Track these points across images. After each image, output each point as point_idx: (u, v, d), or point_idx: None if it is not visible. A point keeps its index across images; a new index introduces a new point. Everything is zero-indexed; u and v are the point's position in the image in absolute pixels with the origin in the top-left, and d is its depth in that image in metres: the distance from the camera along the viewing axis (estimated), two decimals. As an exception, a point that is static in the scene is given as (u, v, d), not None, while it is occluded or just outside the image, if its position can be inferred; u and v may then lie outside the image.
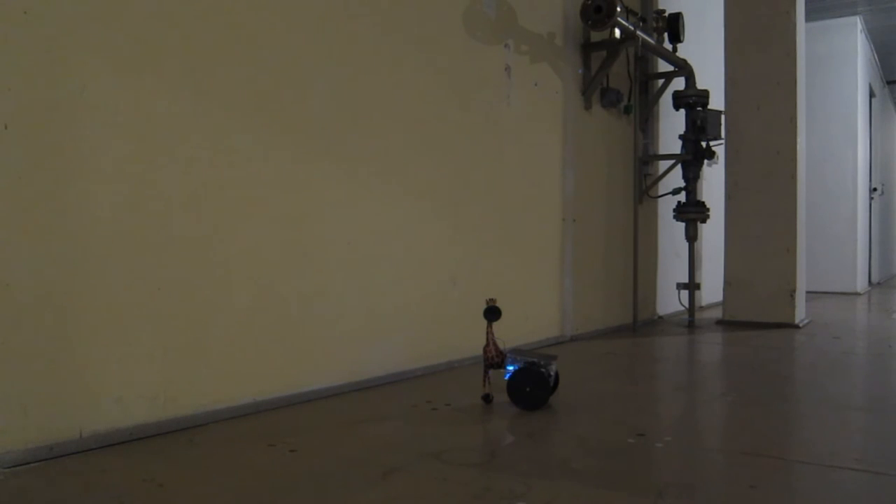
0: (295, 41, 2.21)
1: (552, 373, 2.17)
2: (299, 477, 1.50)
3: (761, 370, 2.97)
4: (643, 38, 4.03)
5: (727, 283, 4.59)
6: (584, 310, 3.85)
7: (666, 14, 4.49)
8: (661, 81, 4.71)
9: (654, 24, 4.45)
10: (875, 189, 9.37)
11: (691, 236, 4.53)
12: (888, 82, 10.65)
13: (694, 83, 4.49)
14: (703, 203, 4.52)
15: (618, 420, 2.07)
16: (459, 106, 2.96)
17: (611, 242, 4.16)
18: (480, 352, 2.21)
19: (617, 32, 3.86)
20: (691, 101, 4.42)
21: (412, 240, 2.69)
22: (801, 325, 4.40)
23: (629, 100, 4.32)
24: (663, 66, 4.70)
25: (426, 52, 2.78)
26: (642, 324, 4.41)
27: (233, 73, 2.02)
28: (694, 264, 4.60)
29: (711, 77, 4.86)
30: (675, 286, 4.81)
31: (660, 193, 4.72)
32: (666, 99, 4.66)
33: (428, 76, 2.78)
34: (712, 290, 5.31)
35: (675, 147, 4.64)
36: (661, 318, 4.89)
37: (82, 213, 1.66)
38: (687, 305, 4.61)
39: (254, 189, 2.08)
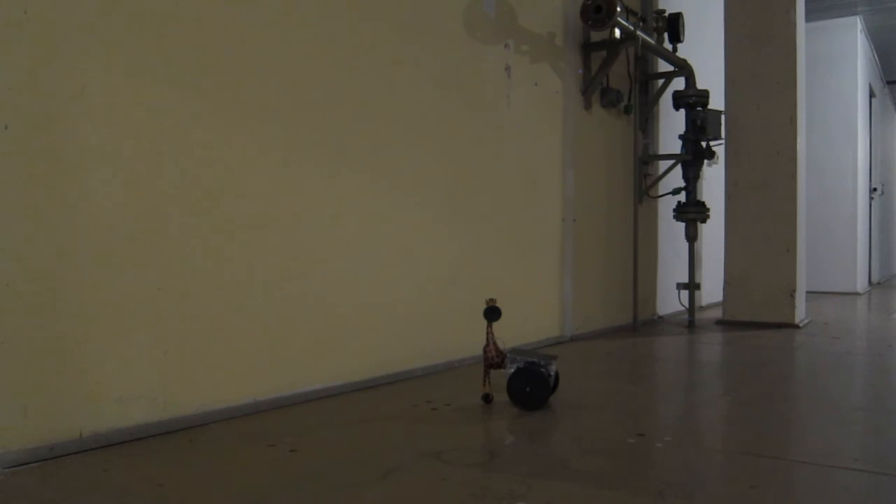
0: (295, 42, 2.21)
1: (552, 373, 2.17)
2: (299, 477, 1.50)
3: (761, 370, 2.97)
4: (643, 38, 4.03)
5: (727, 283, 4.58)
6: (584, 310, 3.85)
7: (666, 14, 4.49)
8: (661, 81, 4.71)
9: (654, 24, 4.45)
10: (875, 189, 9.36)
11: (691, 236, 4.53)
12: (888, 82, 10.64)
13: (694, 83, 4.49)
14: (703, 203, 4.51)
15: (618, 420, 2.07)
16: (459, 106, 2.96)
17: (611, 242, 4.16)
18: (480, 352, 2.21)
19: (617, 32, 3.86)
20: (691, 101, 4.42)
21: (412, 240, 2.69)
22: (801, 325, 4.40)
23: (629, 100, 4.32)
24: (663, 66, 4.70)
25: (426, 51, 2.78)
26: (642, 324, 4.41)
27: (233, 73, 2.02)
28: (694, 264, 4.60)
29: (711, 77, 4.86)
30: (675, 286, 4.81)
31: (660, 193, 4.72)
32: (666, 99, 4.66)
33: (427, 76, 2.78)
34: (712, 290, 5.31)
35: (675, 147, 4.64)
36: (661, 318, 4.89)
37: (82, 213, 1.66)
38: (687, 305, 4.61)
39: (253, 189, 2.08)
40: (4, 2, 1.53)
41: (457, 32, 2.96)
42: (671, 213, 4.62)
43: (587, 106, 3.90)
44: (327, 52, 2.32)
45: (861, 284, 7.93)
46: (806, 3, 4.78)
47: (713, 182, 5.32)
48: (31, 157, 1.57)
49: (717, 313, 4.80)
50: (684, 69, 4.53)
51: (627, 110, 4.32)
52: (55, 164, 1.61)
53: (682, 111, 4.51)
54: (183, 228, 1.88)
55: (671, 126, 4.85)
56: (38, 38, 1.58)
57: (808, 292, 5.24)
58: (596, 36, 3.94)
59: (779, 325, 4.33)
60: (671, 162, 4.54)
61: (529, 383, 2.11)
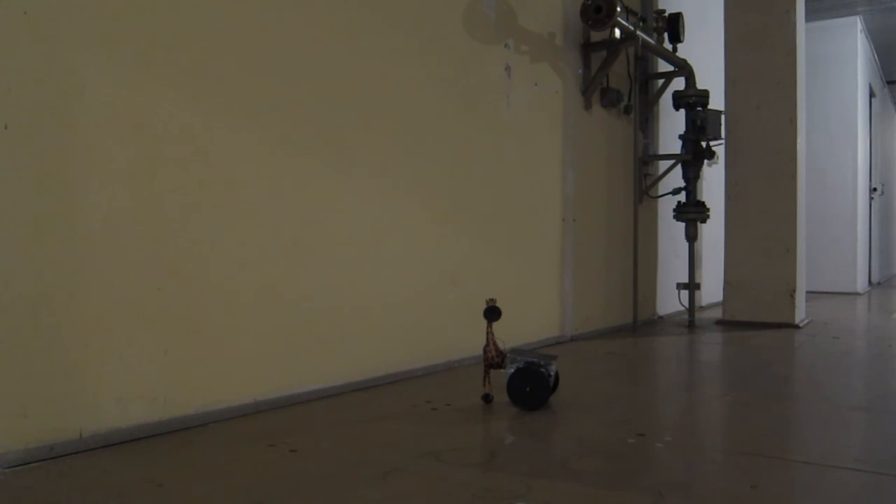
0: (294, 41, 2.21)
1: (552, 373, 2.17)
2: (299, 477, 1.50)
3: (761, 370, 2.97)
4: (643, 38, 4.03)
5: (727, 283, 4.58)
6: (584, 310, 3.85)
7: (666, 14, 4.49)
8: (661, 81, 4.71)
9: (654, 24, 4.45)
10: (875, 189, 9.36)
11: (691, 236, 4.53)
12: (888, 82, 10.64)
13: (694, 83, 4.49)
14: (703, 203, 4.51)
15: (618, 420, 2.07)
16: (459, 105, 2.96)
17: (611, 242, 4.16)
18: (480, 352, 2.21)
19: (617, 32, 3.86)
20: (691, 101, 4.42)
21: (412, 240, 2.69)
22: (801, 325, 4.39)
23: (629, 100, 4.32)
24: (663, 66, 4.70)
25: (426, 51, 2.78)
26: (642, 324, 4.41)
27: (232, 74, 2.02)
28: (694, 264, 4.60)
29: (711, 77, 4.86)
30: (675, 286, 4.81)
31: (660, 193, 4.72)
32: (666, 99, 4.66)
33: (427, 76, 2.78)
34: (712, 290, 5.31)
35: (675, 147, 4.64)
36: (661, 318, 4.89)
37: (82, 213, 1.66)
38: (687, 305, 4.61)
39: (253, 189, 2.08)
40: (4, 2, 1.53)
41: (457, 32, 2.96)
42: (671, 213, 4.62)
43: (587, 106, 3.90)
44: (328, 52, 2.32)
45: (861, 284, 7.93)
46: (806, 3, 4.78)
47: (713, 182, 5.32)
48: (31, 157, 1.57)
49: (717, 313, 4.80)
50: (684, 69, 4.53)
51: (627, 110, 4.32)
52: (55, 165, 1.61)
53: (682, 111, 4.51)
54: (183, 228, 1.88)
55: (671, 126, 4.85)
56: (38, 38, 1.58)
57: (808, 292, 5.24)
58: (596, 36, 3.94)
59: (779, 325, 4.33)
60: (671, 162, 4.54)
61: (529, 383, 2.11)
